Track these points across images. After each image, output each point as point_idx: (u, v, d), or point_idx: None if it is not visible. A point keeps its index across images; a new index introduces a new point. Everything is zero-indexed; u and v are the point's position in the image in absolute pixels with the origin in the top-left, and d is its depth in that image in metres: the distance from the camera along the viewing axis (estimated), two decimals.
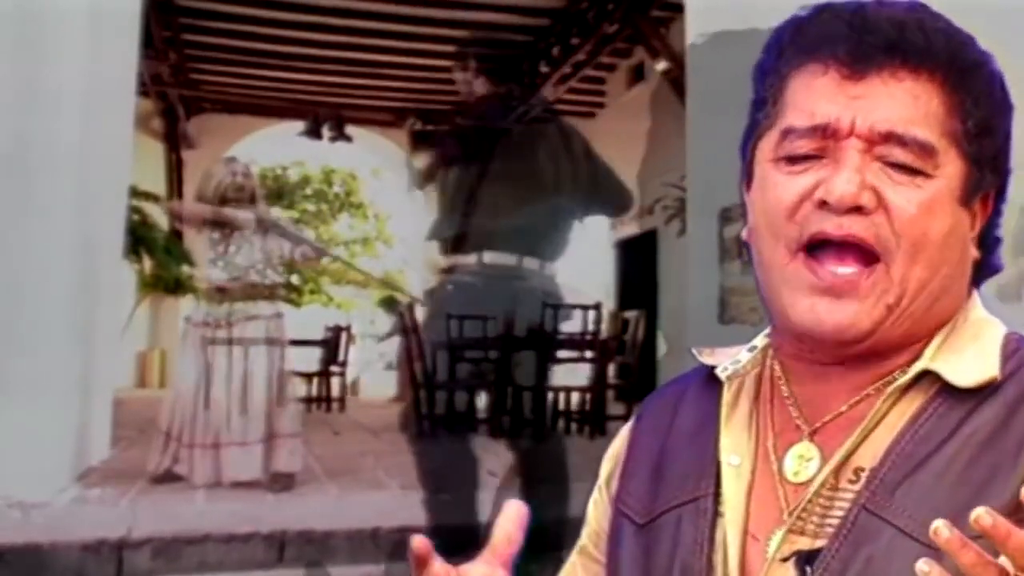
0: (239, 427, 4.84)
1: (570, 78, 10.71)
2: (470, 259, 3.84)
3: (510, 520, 0.75)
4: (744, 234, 0.83)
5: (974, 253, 0.79)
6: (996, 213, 0.80)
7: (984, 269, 0.81)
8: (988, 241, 0.80)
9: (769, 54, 0.81)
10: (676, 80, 7.82)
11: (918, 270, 0.73)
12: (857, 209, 0.72)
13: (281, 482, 4.80)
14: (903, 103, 0.73)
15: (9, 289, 4.42)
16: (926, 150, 0.73)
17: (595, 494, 0.93)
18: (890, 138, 0.73)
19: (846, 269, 0.73)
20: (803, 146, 0.75)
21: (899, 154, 0.73)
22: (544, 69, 10.37)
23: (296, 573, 3.77)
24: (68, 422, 4.77)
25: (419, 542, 0.71)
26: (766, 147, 0.79)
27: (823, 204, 0.73)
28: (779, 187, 0.76)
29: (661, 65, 8.71)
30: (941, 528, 0.54)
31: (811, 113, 0.75)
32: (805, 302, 0.74)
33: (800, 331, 0.76)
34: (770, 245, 0.77)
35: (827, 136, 0.74)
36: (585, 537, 0.92)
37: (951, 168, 0.74)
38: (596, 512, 0.92)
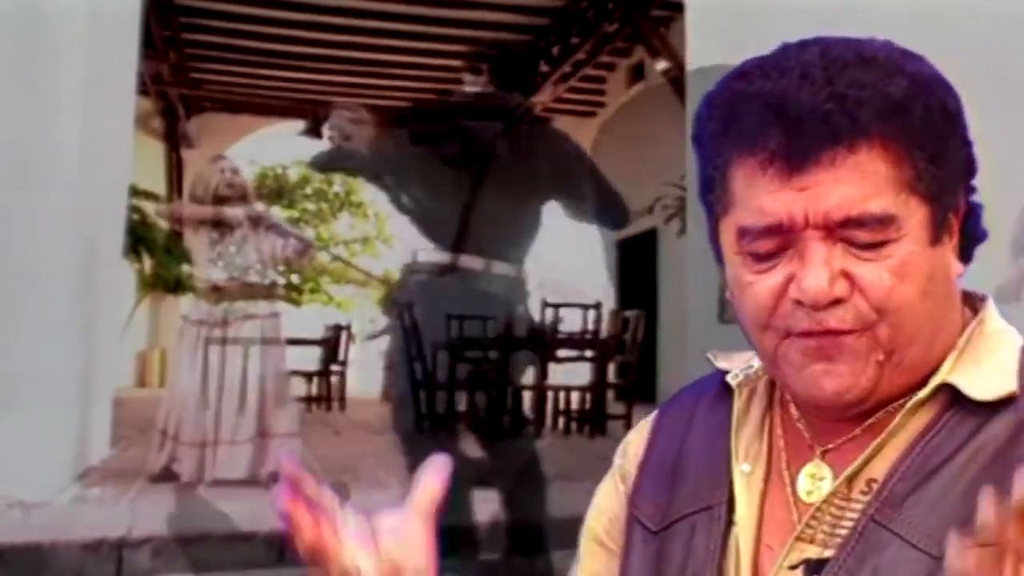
0: (232, 426, 4.85)
1: (570, 78, 10.72)
2: (433, 260, 3.84)
3: (429, 473, 0.75)
4: (728, 294, 0.82)
5: (958, 268, 0.78)
6: (972, 209, 0.79)
7: (972, 245, 0.80)
8: (969, 226, 0.79)
9: (703, 129, 0.79)
10: (676, 80, 7.82)
11: (905, 330, 0.73)
12: (834, 300, 0.72)
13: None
14: (851, 183, 0.71)
15: (9, 289, 4.42)
16: (885, 222, 0.72)
17: (608, 483, 0.92)
18: (848, 223, 0.72)
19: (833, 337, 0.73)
20: (762, 246, 0.75)
21: (861, 235, 0.72)
22: (544, 69, 10.37)
23: (296, 573, 3.77)
24: (68, 422, 4.77)
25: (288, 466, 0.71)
26: (727, 236, 0.78)
27: (800, 303, 0.73)
28: (753, 287, 0.76)
29: (661, 65, 8.71)
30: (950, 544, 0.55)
31: (760, 212, 0.74)
32: (802, 373, 0.75)
33: (804, 401, 0.78)
34: (758, 335, 0.77)
35: (784, 232, 0.73)
36: (595, 522, 0.91)
37: (915, 220, 0.73)
38: (610, 499, 0.91)
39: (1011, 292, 3.13)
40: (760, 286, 0.75)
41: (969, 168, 0.78)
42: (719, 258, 0.82)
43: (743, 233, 0.75)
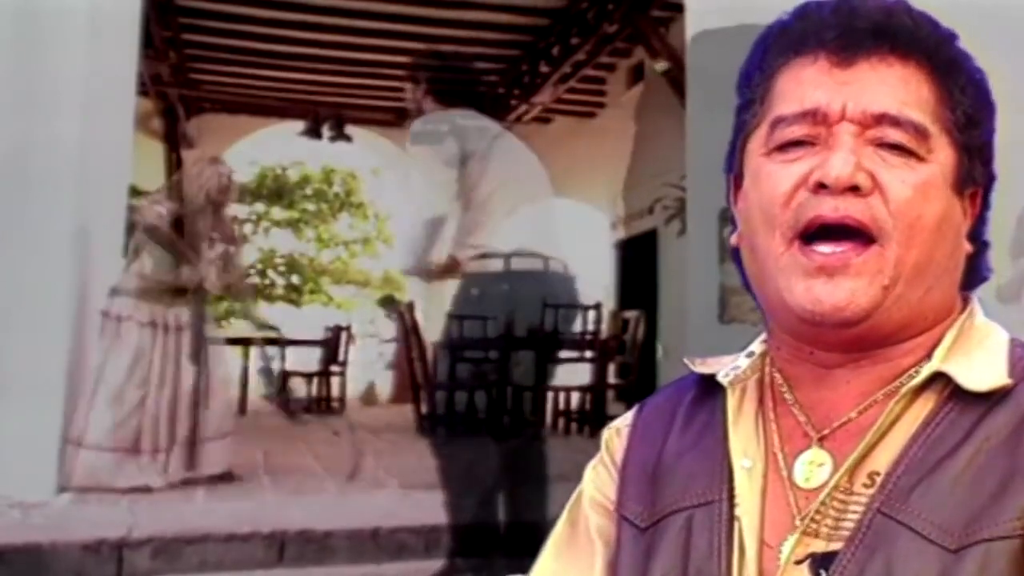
0: (166, 430, 4.85)
1: (570, 78, 10.71)
2: (497, 264, 3.75)
3: None
4: (733, 239, 0.82)
5: (967, 247, 0.78)
6: (983, 217, 0.80)
7: (974, 272, 0.80)
8: (977, 243, 0.79)
9: (754, 57, 0.80)
10: (676, 80, 7.81)
11: (913, 253, 0.72)
12: (853, 191, 0.71)
13: (216, 483, 4.83)
14: (894, 87, 0.73)
15: (8, 288, 4.42)
16: (920, 132, 0.73)
17: (596, 466, 0.91)
18: (883, 119, 0.72)
19: (837, 248, 0.72)
20: (794, 132, 0.74)
21: (894, 134, 0.72)
22: (544, 69, 10.37)
23: (296, 573, 3.77)
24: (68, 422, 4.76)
25: None
26: (756, 143, 0.78)
27: (818, 188, 0.72)
28: (773, 176, 0.75)
29: (661, 65, 8.70)
30: None
31: (800, 100, 0.74)
32: (801, 285, 0.73)
33: (799, 316, 0.74)
34: (765, 236, 0.75)
35: (818, 122, 0.73)
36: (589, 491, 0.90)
37: (943, 154, 0.74)
38: (599, 474, 0.90)
39: (1011, 292, 3.13)
40: (779, 175, 0.75)
41: (989, 184, 0.79)
42: (736, 185, 0.81)
43: (777, 121, 0.75)
